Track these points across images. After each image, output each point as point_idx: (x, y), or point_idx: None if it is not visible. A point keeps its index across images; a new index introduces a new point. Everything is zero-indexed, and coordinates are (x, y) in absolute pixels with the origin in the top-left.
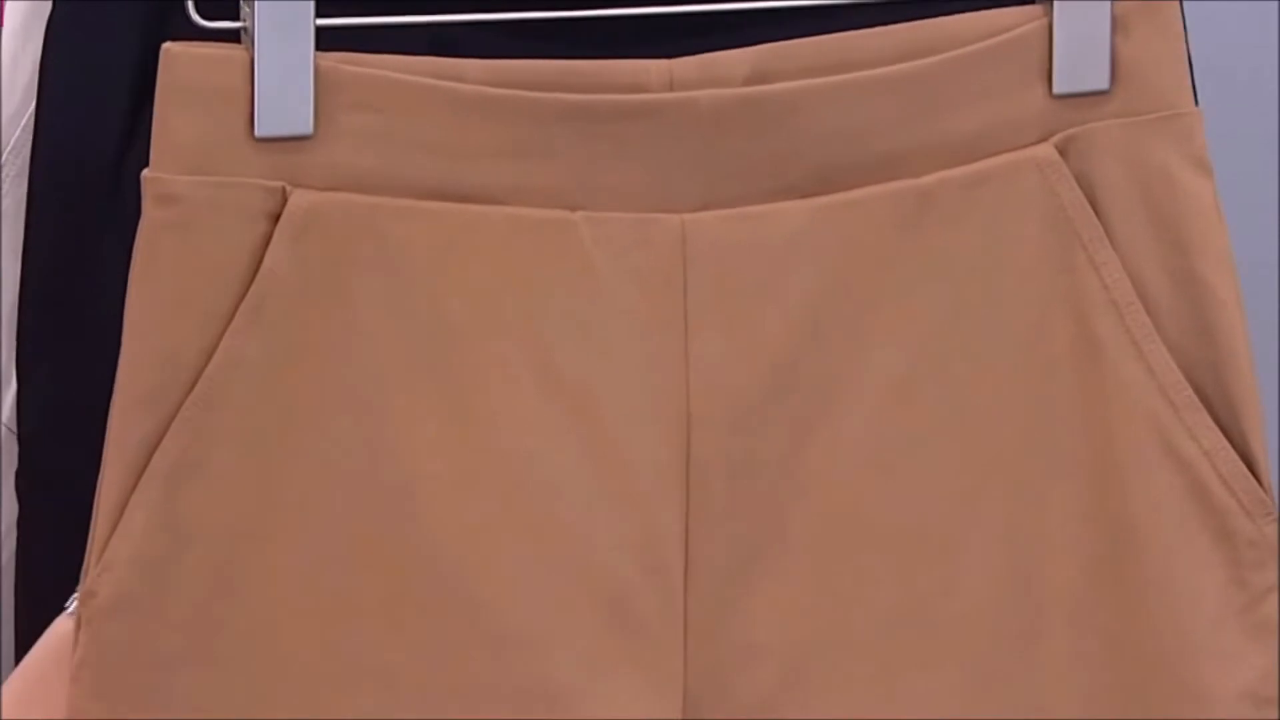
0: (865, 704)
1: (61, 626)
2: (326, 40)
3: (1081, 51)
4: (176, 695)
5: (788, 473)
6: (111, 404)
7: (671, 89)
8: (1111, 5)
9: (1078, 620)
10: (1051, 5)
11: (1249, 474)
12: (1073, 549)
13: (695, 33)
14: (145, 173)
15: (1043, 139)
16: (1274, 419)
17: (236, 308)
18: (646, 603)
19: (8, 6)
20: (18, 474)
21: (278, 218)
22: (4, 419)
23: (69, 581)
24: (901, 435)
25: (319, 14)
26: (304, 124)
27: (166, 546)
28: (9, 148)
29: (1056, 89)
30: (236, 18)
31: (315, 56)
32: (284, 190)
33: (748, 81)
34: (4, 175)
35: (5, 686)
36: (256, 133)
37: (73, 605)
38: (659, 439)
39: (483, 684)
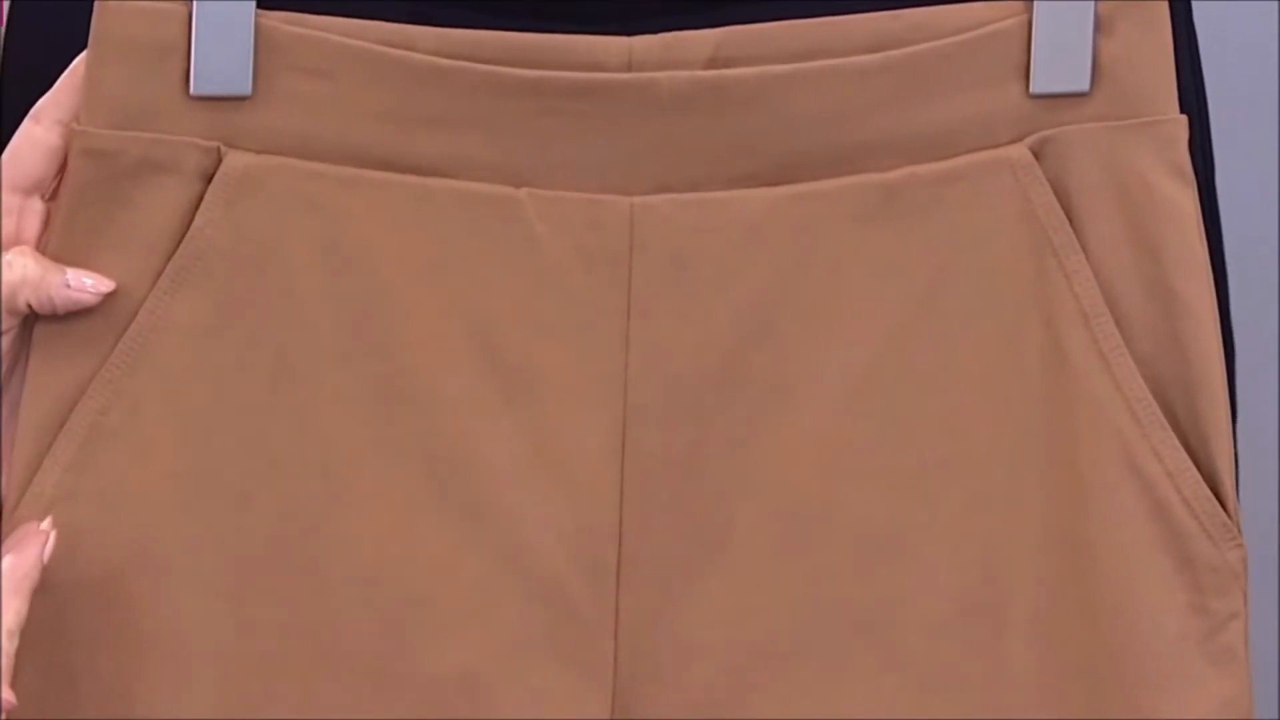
0: (813, 708)
1: None
2: (277, 0)
3: (1061, 50)
4: (100, 680)
5: (734, 469)
6: (30, 358)
7: (630, 68)
8: (1095, 4)
9: (1039, 634)
10: (1032, 1)
11: (1213, 497)
12: (1033, 563)
13: (666, 14)
14: (73, 126)
15: (1017, 139)
16: (1275, 420)
17: (162, 269)
18: (576, 594)
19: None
20: None
21: (211, 178)
22: None
23: None
24: (856, 436)
25: None
26: (242, 84)
27: (85, 514)
28: None
29: (1034, 88)
30: None
31: (257, 14)
32: (219, 150)
33: (710, 64)
34: None
35: None
36: (192, 90)
37: None
38: (595, 425)
39: (400, 669)
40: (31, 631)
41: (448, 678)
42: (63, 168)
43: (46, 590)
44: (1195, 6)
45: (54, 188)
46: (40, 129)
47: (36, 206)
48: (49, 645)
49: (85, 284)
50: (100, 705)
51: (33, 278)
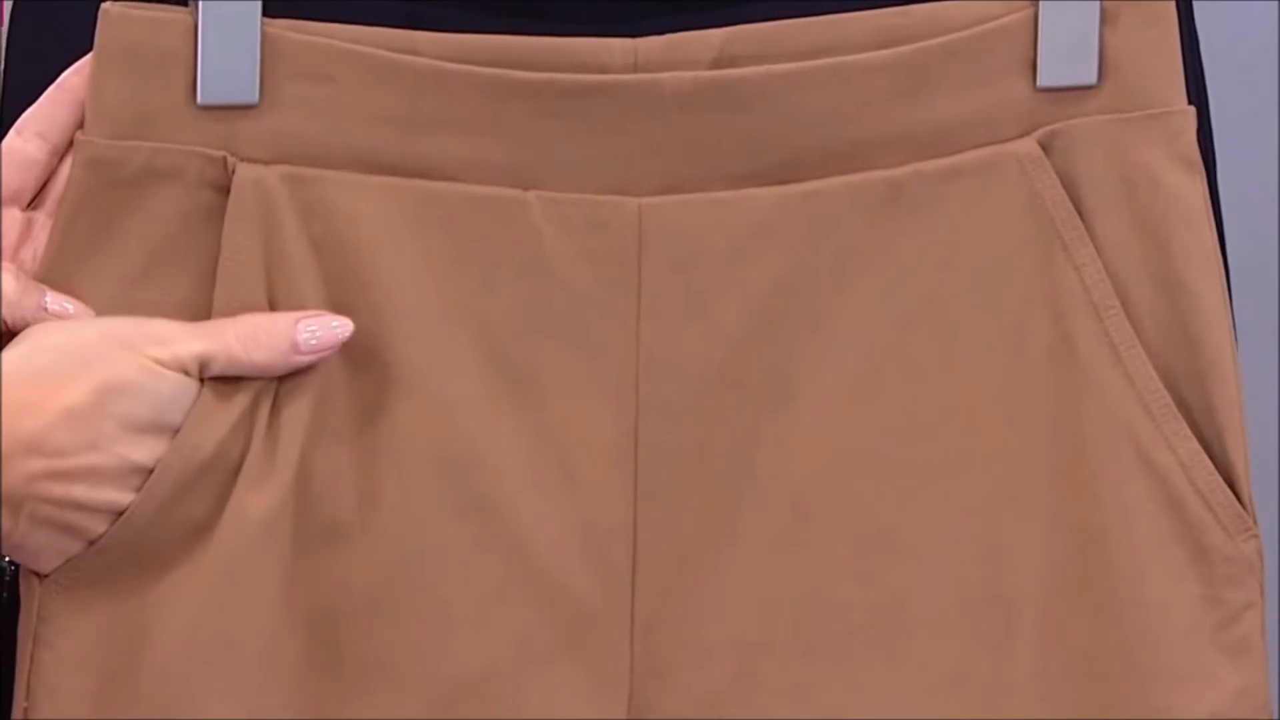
0: (823, 704)
1: None
2: (280, 8)
3: (1068, 44)
4: (144, 684)
5: (744, 465)
6: None
7: (635, 69)
8: None
9: (1048, 629)
10: None
11: (1226, 488)
12: (1043, 556)
13: (671, 14)
14: (77, 135)
15: (1025, 133)
16: (1275, 419)
17: (164, 276)
18: (590, 593)
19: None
20: None
21: (217, 187)
22: None
23: None
24: (865, 431)
25: None
26: (249, 92)
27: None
28: None
29: (1041, 82)
30: None
31: (262, 22)
32: (225, 160)
33: (715, 64)
34: None
35: None
36: (199, 100)
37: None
38: (606, 424)
39: (415, 669)
40: (79, 643)
41: (463, 678)
42: (46, 180)
43: (90, 597)
44: (1195, 6)
45: (34, 198)
46: (20, 140)
47: (15, 216)
48: (99, 655)
49: (66, 308)
50: (145, 707)
51: (11, 297)
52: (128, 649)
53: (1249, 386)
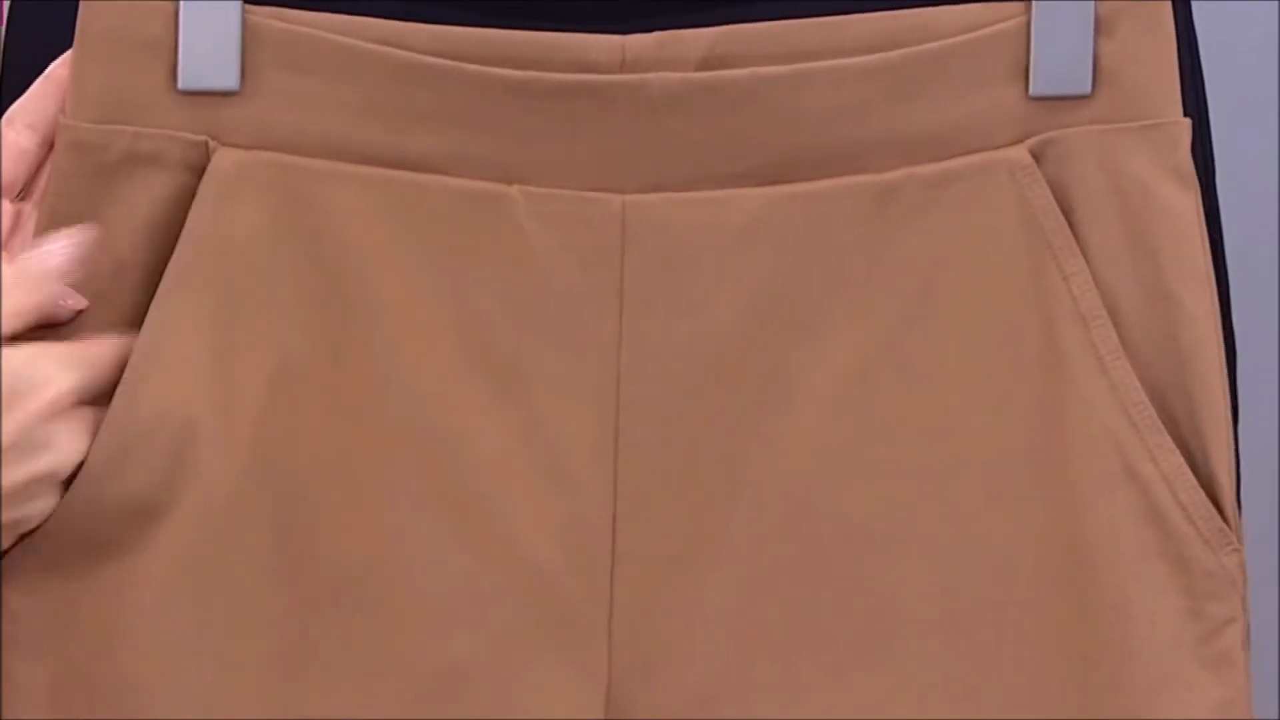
0: (810, 705)
1: None
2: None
3: (1061, 52)
4: (104, 678)
5: (730, 465)
6: None
7: (623, 67)
8: (1095, 5)
9: (1034, 635)
10: (1031, 3)
11: (1209, 502)
12: (1028, 564)
13: (662, 13)
14: (59, 119)
15: (1017, 141)
16: (1274, 420)
17: (148, 261)
18: (569, 588)
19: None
20: None
21: (199, 171)
22: None
23: None
24: (852, 434)
25: None
26: (229, 78)
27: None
28: None
29: (1033, 90)
30: None
31: (244, 10)
32: (207, 144)
33: (703, 64)
34: None
35: None
36: (179, 85)
37: None
38: (587, 421)
39: (393, 663)
40: (38, 630)
41: (441, 672)
42: (35, 170)
43: (53, 590)
44: (1195, 7)
45: (25, 189)
46: (11, 132)
47: (6, 208)
48: (59, 642)
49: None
50: (103, 704)
51: (7, 286)
52: (89, 642)
53: (1248, 388)
